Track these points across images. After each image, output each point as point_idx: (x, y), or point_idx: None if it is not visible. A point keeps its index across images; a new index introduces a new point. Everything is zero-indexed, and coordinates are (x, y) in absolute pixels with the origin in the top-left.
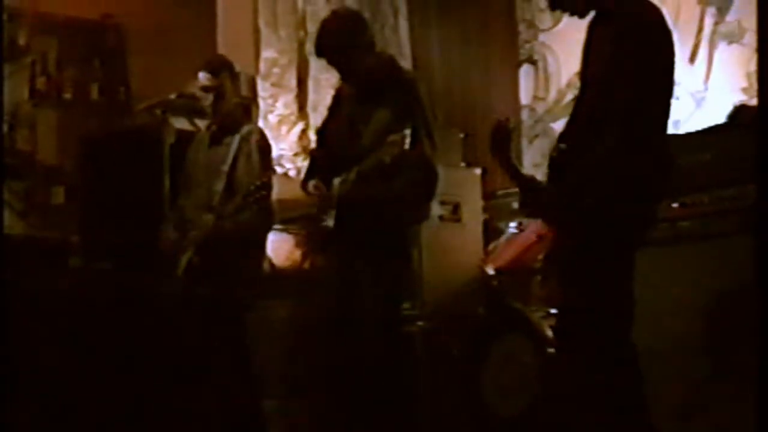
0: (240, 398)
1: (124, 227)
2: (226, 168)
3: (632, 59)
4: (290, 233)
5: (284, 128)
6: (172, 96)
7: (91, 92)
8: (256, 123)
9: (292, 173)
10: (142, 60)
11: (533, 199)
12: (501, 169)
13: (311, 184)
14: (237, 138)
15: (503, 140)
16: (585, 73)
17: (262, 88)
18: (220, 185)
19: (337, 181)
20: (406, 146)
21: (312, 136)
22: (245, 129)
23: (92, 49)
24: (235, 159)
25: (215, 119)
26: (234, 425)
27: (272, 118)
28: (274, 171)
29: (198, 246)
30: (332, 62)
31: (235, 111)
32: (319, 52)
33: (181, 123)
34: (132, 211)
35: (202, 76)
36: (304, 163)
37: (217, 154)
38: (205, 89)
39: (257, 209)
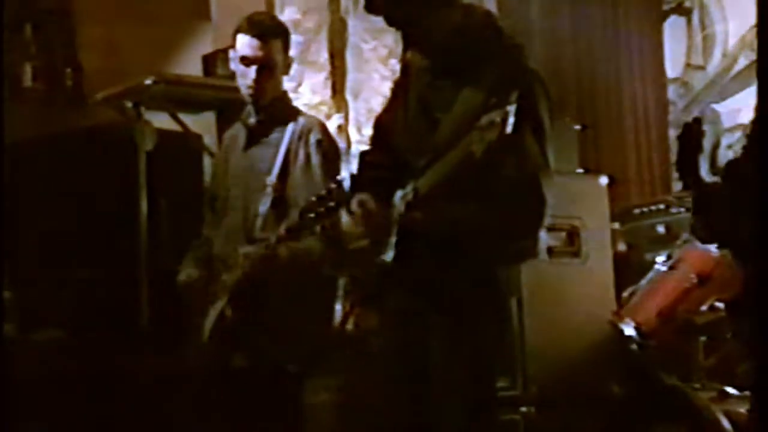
0: None
1: (81, 274)
2: (273, 179)
3: None
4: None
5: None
6: (148, 80)
7: (22, 76)
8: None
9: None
10: (100, 27)
11: (714, 220)
12: (684, 182)
13: (357, 200)
14: (288, 135)
15: (695, 148)
16: None
17: None
18: (264, 204)
19: (398, 196)
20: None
21: (354, 132)
22: (301, 123)
23: (20, 11)
24: (286, 165)
25: (257, 108)
26: None
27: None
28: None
29: (234, 293)
30: (393, 20)
31: (287, 99)
32: (372, 5)
33: (162, 120)
34: (91, 250)
35: (250, 44)
36: (343, 173)
37: (257, 159)
38: (246, 61)
39: (324, 232)
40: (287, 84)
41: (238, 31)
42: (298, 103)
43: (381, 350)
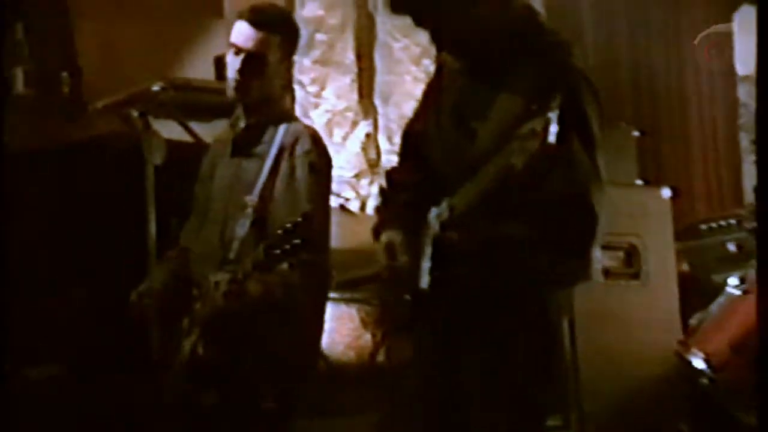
0: None
1: (79, 305)
2: (254, 197)
3: None
4: (352, 305)
5: (337, 132)
6: (156, 86)
7: (14, 81)
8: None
9: (353, 206)
10: (100, 26)
11: None
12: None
13: (385, 237)
14: (276, 145)
15: None
16: None
17: (300, 67)
18: (243, 226)
19: (433, 215)
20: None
21: (384, 141)
22: (291, 131)
23: (10, 9)
24: (271, 180)
25: (247, 110)
26: None
27: (318, 117)
28: (328, 202)
29: (206, 325)
30: (421, 19)
31: (282, 102)
32: (396, 5)
33: (172, 130)
34: (93, 276)
35: (244, 31)
36: (373, 190)
37: (242, 171)
38: (235, 49)
39: (303, 263)
40: (310, 88)
41: (238, 17)
42: (319, 111)
43: (415, 385)
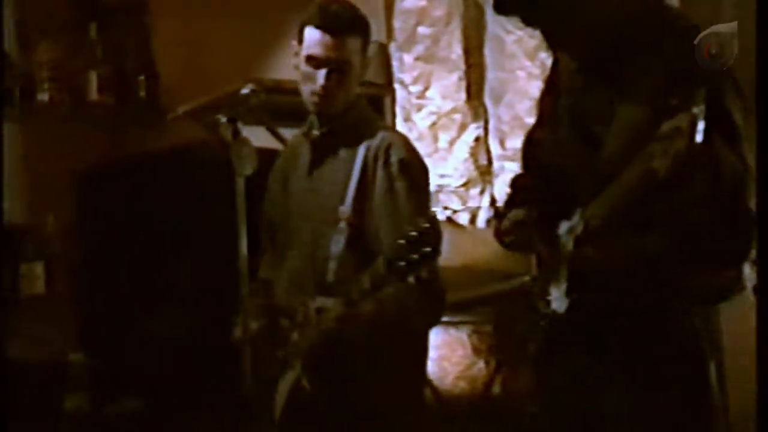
0: None
1: (163, 334)
2: (346, 209)
3: None
4: (463, 329)
5: (443, 137)
6: (246, 88)
7: (86, 87)
8: (393, 127)
9: (461, 219)
10: (180, 25)
11: None
12: None
13: (510, 217)
14: (362, 153)
15: None
16: None
17: (400, 65)
18: (338, 243)
19: (564, 229)
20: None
21: (495, 146)
22: (379, 138)
23: (82, 7)
24: (362, 190)
25: (324, 119)
26: None
27: (421, 119)
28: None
29: (311, 357)
30: (530, 19)
31: (362, 106)
32: (502, 5)
33: (262, 138)
34: (178, 303)
35: (320, 41)
36: (484, 200)
37: (325, 183)
38: (314, 62)
39: (415, 283)
40: (412, 88)
41: (306, 22)
42: (423, 113)
43: (540, 421)
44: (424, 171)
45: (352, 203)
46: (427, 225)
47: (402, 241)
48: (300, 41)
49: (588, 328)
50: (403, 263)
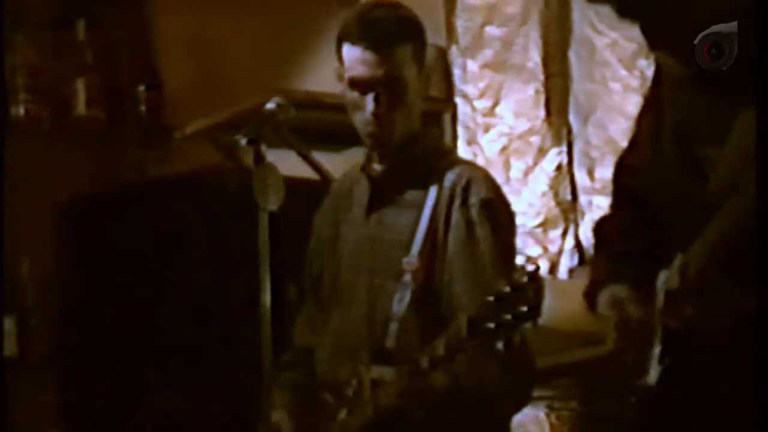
0: None
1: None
2: (413, 260)
3: None
4: (540, 404)
5: (517, 164)
6: (271, 103)
7: (72, 98)
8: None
9: (561, 273)
10: (188, 22)
11: None
12: None
13: (608, 293)
14: (433, 193)
15: None
16: None
17: (463, 74)
18: (401, 300)
19: (662, 280)
20: None
21: (582, 176)
22: (454, 173)
23: (68, 2)
24: (433, 238)
25: (384, 152)
26: None
27: (488, 143)
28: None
29: None
30: (627, 9)
31: (430, 133)
32: None
33: (291, 165)
34: (183, 372)
35: (361, 60)
36: (567, 243)
37: (386, 228)
38: (359, 86)
39: (503, 351)
40: (478, 103)
41: (342, 38)
42: (491, 134)
43: None
44: (510, 214)
45: (420, 253)
46: (525, 279)
47: (491, 299)
48: (340, 61)
49: (685, 405)
50: (492, 325)
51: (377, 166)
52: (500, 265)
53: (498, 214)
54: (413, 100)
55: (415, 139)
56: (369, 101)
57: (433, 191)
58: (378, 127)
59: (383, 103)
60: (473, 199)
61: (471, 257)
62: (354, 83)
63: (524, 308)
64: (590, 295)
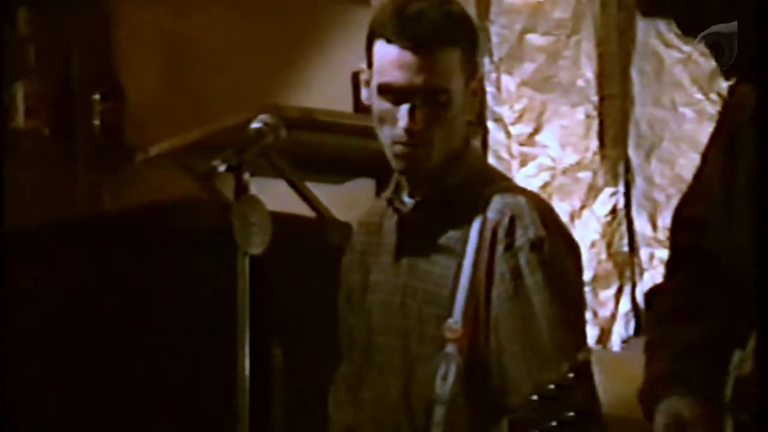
0: None
1: None
2: (455, 322)
3: None
4: None
5: (562, 206)
6: (257, 122)
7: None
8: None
9: (588, 334)
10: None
11: None
12: None
13: (667, 411)
14: (475, 231)
15: None
16: None
17: (497, 94)
18: (445, 379)
19: (734, 362)
20: None
21: (643, 224)
22: (498, 205)
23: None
24: (477, 294)
25: (416, 180)
26: None
27: (526, 179)
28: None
29: None
30: (689, 24)
31: (474, 156)
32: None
33: (281, 196)
34: None
35: (392, 58)
36: (620, 310)
37: (421, 277)
38: (392, 93)
39: None
40: (515, 129)
41: (375, 33)
42: (533, 164)
43: None
44: (574, 254)
45: (464, 313)
46: (571, 375)
47: (534, 398)
48: (369, 63)
49: None
50: (548, 416)
51: (407, 199)
52: (560, 331)
53: (555, 257)
54: (457, 118)
55: (454, 165)
56: (402, 113)
57: (475, 231)
58: (411, 146)
59: (420, 118)
60: (520, 241)
61: (521, 320)
62: (385, 90)
63: (569, 414)
64: (646, 402)
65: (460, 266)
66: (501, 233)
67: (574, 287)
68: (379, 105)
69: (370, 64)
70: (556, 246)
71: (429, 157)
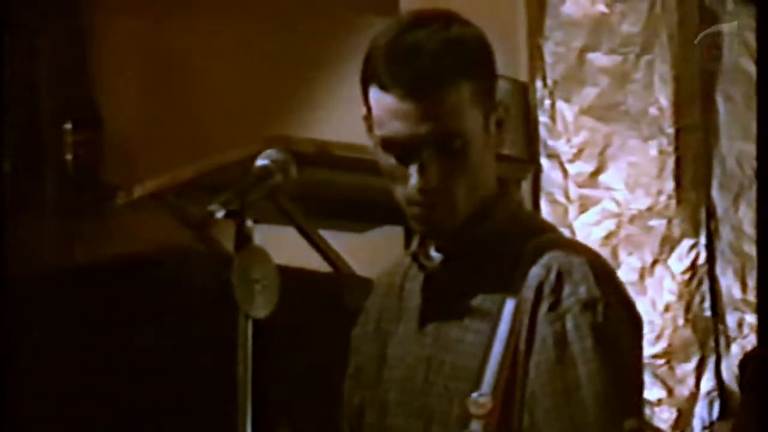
0: None
1: None
2: (484, 396)
3: None
4: None
5: (630, 260)
6: (264, 158)
7: None
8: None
9: (662, 417)
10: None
11: None
12: None
13: None
14: (515, 289)
15: None
16: None
17: (552, 124)
18: None
19: None
20: None
21: (732, 287)
22: (543, 261)
23: None
24: (512, 365)
25: (435, 236)
26: None
27: (586, 227)
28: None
29: None
30: None
31: (507, 201)
32: None
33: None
34: None
35: (389, 110)
36: (702, 388)
37: (447, 347)
38: (396, 149)
39: None
40: (572, 167)
41: (366, 77)
42: (594, 210)
43: None
44: (634, 322)
45: (495, 385)
46: None
47: None
48: (368, 109)
49: None
50: None
51: (434, 254)
52: (609, 411)
53: (609, 323)
54: (480, 159)
55: (486, 214)
56: (412, 171)
57: (515, 290)
58: (428, 207)
59: (433, 173)
60: (568, 301)
61: (562, 394)
62: (388, 144)
63: None
64: None
65: (494, 331)
66: (546, 292)
67: (630, 361)
68: (386, 161)
69: (369, 111)
70: (612, 310)
71: (453, 216)
